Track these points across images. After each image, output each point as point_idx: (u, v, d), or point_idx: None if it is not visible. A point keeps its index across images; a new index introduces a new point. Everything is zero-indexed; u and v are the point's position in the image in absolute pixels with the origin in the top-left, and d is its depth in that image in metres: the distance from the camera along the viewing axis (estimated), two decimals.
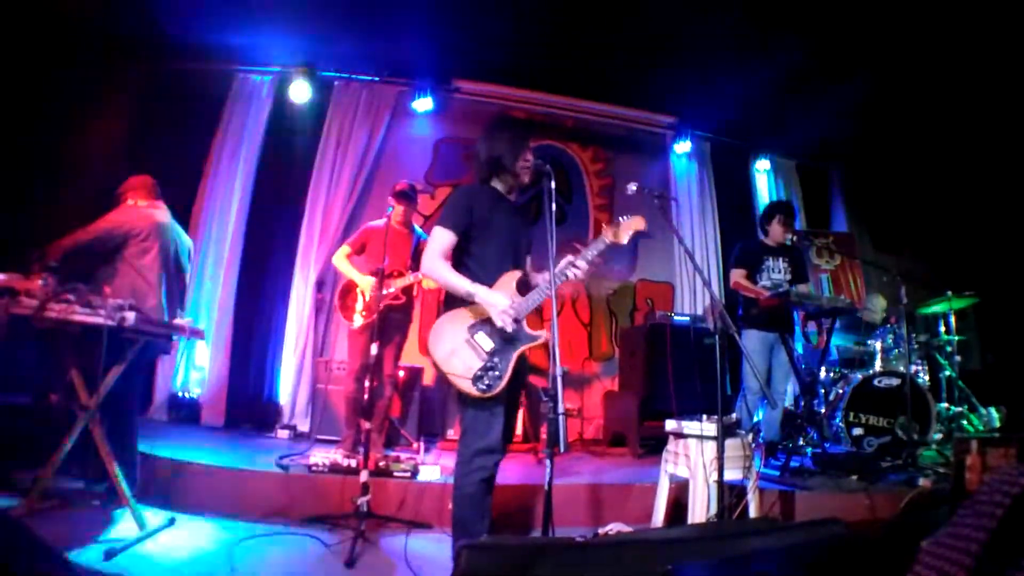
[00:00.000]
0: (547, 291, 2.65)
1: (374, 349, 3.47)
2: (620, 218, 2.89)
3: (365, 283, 4.45)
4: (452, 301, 2.70)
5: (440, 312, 2.73)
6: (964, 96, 5.81)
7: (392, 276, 4.40)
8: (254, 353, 5.85)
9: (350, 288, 4.57)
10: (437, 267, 2.65)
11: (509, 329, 2.56)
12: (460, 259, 2.75)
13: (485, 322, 2.61)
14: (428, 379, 5.49)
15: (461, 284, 2.60)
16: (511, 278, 2.70)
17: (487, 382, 2.52)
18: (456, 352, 2.56)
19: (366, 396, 3.63)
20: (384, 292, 4.30)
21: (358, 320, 4.46)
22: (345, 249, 4.65)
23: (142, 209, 3.58)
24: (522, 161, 2.77)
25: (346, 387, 4.54)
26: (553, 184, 2.52)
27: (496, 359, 2.55)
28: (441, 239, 2.67)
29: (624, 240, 2.83)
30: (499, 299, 2.57)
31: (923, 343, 5.71)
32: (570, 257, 2.73)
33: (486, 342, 2.57)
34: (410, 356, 5.37)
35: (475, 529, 2.52)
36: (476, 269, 2.70)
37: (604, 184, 7.06)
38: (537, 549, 1.50)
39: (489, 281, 2.66)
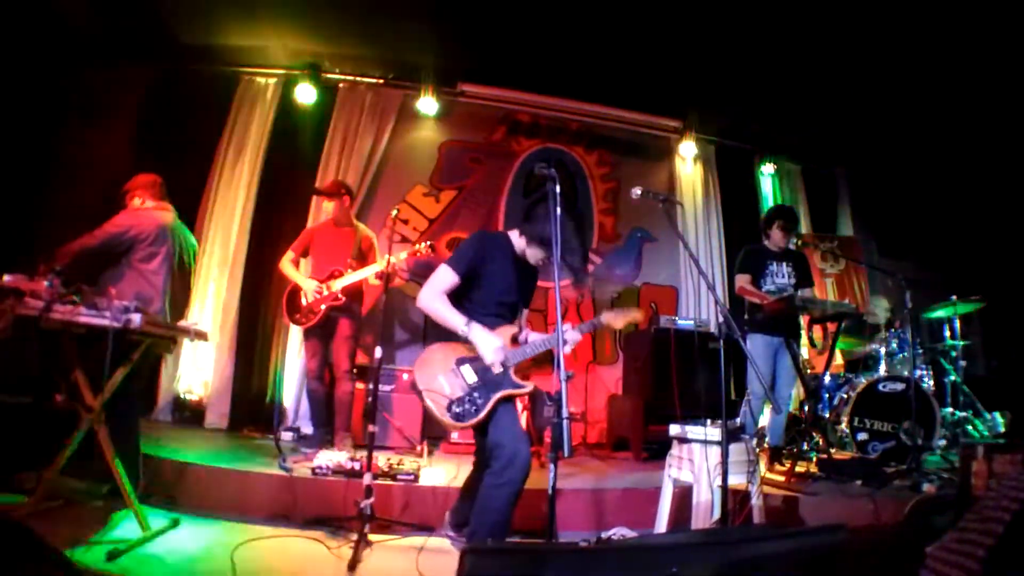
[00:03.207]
0: (540, 347, 2.80)
1: (378, 352, 3.46)
2: (623, 310, 3.06)
3: (307, 287, 4.52)
4: (444, 331, 2.81)
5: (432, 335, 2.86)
6: (971, 100, 5.80)
7: (332, 277, 4.49)
8: (258, 355, 5.86)
9: (295, 292, 4.64)
10: (435, 302, 2.77)
11: (497, 369, 2.68)
12: (462, 300, 2.87)
13: (475, 359, 2.73)
14: None
15: (456, 322, 2.72)
16: (508, 331, 2.84)
17: (461, 410, 2.61)
18: (438, 378, 2.68)
19: (367, 397, 3.64)
20: (325, 294, 4.45)
21: (302, 322, 4.58)
22: (289, 254, 4.75)
23: (148, 211, 3.59)
24: (537, 254, 2.91)
25: (307, 387, 4.72)
26: (558, 187, 2.53)
27: (476, 394, 2.65)
28: (443, 277, 2.80)
29: (619, 326, 3.04)
30: (492, 339, 2.69)
31: (928, 348, 5.68)
32: (568, 325, 2.82)
33: (470, 375, 2.69)
34: (414, 358, 5.34)
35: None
36: (475, 312, 2.82)
37: (609, 188, 7.06)
38: (541, 554, 1.50)
39: (486, 327, 2.78)
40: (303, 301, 4.55)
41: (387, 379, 5.01)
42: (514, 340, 2.87)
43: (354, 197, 5.23)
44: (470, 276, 2.83)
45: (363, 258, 4.63)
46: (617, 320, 3.01)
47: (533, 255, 2.93)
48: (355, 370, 4.67)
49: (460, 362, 2.72)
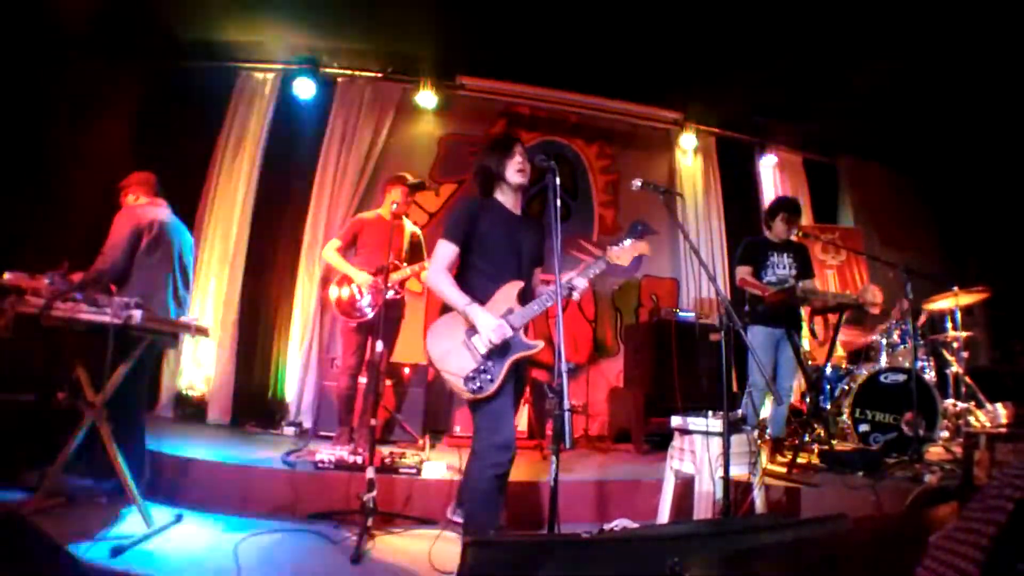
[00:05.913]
0: (547, 302, 2.70)
1: (379, 346, 3.46)
2: (624, 242, 2.94)
3: (361, 280, 4.39)
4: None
5: (443, 309, 2.78)
6: (971, 90, 5.78)
7: (383, 271, 4.33)
8: (259, 350, 5.86)
9: (345, 283, 4.50)
10: (440, 280, 2.72)
11: (497, 343, 2.60)
12: (464, 270, 2.82)
13: None
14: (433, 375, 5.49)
15: (458, 301, 2.66)
16: (512, 288, 2.75)
17: (478, 383, 2.58)
18: (452, 352, 2.63)
19: (372, 393, 3.63)
20: (382, 288, 4.27)
21: (355, 317, 4.43)
22: (335, 243, 4.58)
23: (144, 207, 3.57)
24: (512, 164, 2.83)
25: (339, 383, 4.54)
26: (557, 180, 2.52)
27: (490, 363, 2.61)
28: (444, 251, 2.75)
29: (626, 262, 2.89)
30: (488, 320, 2.61)
31: (929, 339, 5.67)
32: (571, 274, 2.81)
33: (482, 346, 2.62)
34: (416, 353, 5.36)
35: (487, 526, 2.55)
36: (479, 279, 2.77)
37: (609, 180, 7.05)
38: (543, 545, 1.50)
39: (491, 291, 2.73)
40: (357, 295, 4.44)
41: (388, 373, 5.01)
42: (523, 296, 2.79)
43: None
44: (467, 240, 2.77)
45: (415, 255, 4.58)
46: (623, 255, 2.90)
47: (504, 191, 2.90)
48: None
49: (470, 332, 2.65)
